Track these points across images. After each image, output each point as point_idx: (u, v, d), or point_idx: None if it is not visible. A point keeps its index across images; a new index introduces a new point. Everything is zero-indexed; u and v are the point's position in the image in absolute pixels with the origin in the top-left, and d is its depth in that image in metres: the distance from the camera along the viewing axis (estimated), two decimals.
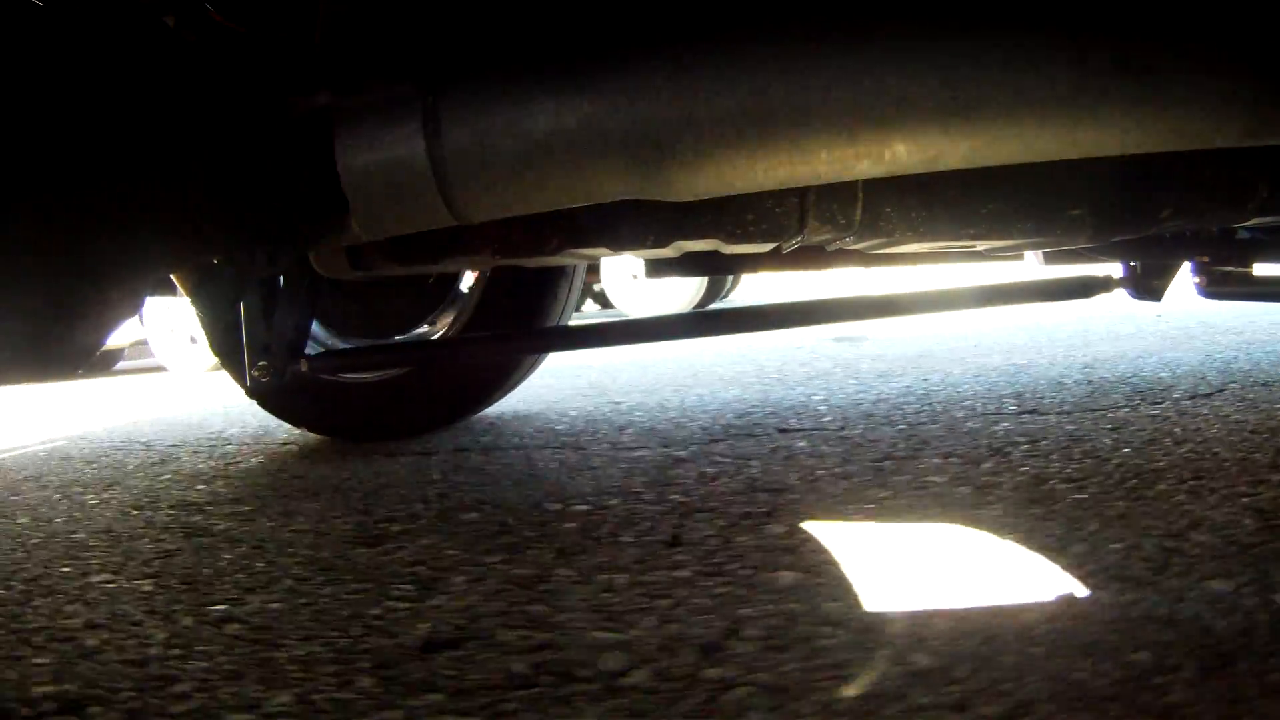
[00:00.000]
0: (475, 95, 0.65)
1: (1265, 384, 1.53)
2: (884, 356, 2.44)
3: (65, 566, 0.99)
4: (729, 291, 6.89)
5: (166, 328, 4.68)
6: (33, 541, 1.11)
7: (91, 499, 1.36)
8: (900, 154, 0.64)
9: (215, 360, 1.62)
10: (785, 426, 1.49)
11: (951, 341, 2.71)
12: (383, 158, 0.67)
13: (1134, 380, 1.69)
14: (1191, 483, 0.97)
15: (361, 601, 0.81)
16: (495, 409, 1.94)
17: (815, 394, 1.85)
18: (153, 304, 4.24)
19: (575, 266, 1.73)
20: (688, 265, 1.31)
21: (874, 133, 0.63)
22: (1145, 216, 0.93)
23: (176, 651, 0.72)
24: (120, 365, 5.73)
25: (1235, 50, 0.60)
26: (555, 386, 2.27)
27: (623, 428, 1.61)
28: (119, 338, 4.96)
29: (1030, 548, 0.80)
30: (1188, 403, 1.42)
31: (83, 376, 4.70)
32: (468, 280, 1.88)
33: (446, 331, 1.84)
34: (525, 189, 0.69)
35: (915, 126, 0.63)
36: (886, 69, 0.61)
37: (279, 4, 0.87)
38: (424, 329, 1.95)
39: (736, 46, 0.61)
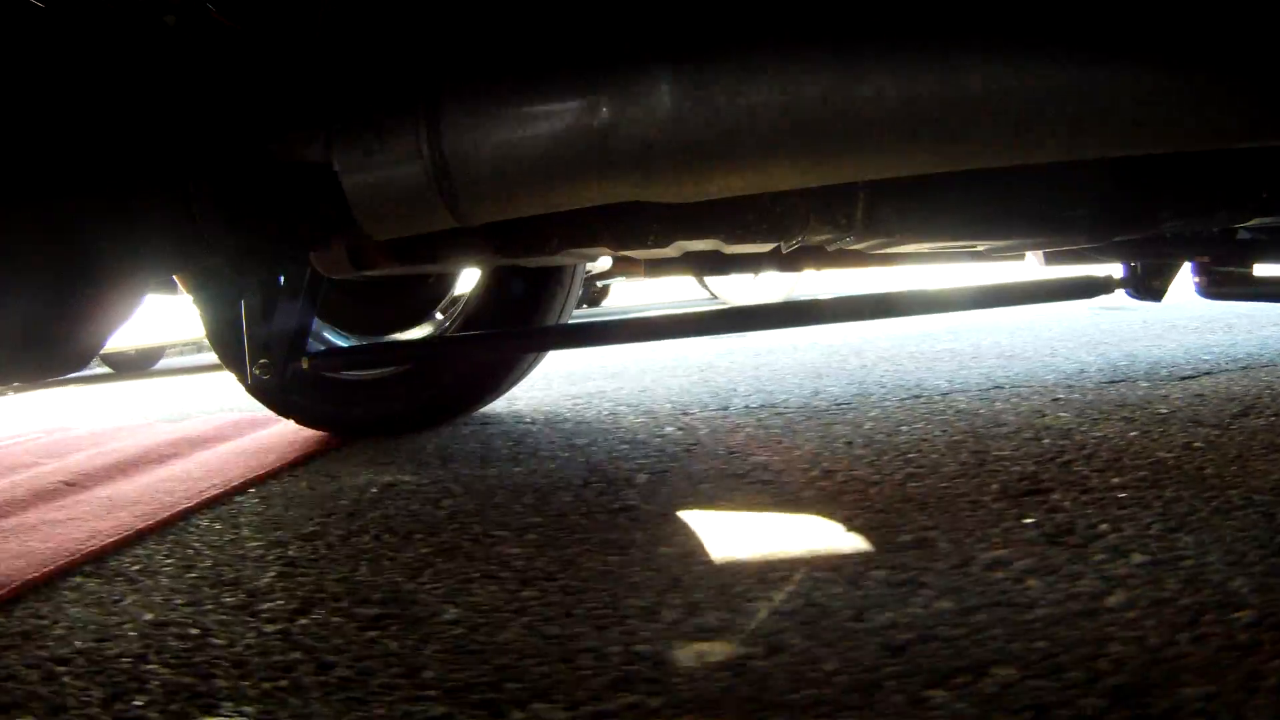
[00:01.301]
0: (477, 101, 0.65)
1: None
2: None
3: None
4: None
5: None
6: None
7: None
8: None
9: None
10: None
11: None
12: (384, 164, 0.67)
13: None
14: None
15: None
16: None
17: None
18: None
19: (575, 265, 1.73)
20: (689, 265, 1.32)
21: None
22: (1145, 217, 0.93)
23: None
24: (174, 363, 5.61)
25: None
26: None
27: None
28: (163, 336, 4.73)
29: None
30: None
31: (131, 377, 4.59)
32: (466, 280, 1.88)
33: (445, 329, 1.84)
34: (527, 193, 0.69)
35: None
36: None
37: (280, 3, 0.87)
38: (420, 327, 1.95)
39: (739, 55, 0.61)
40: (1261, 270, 1.37)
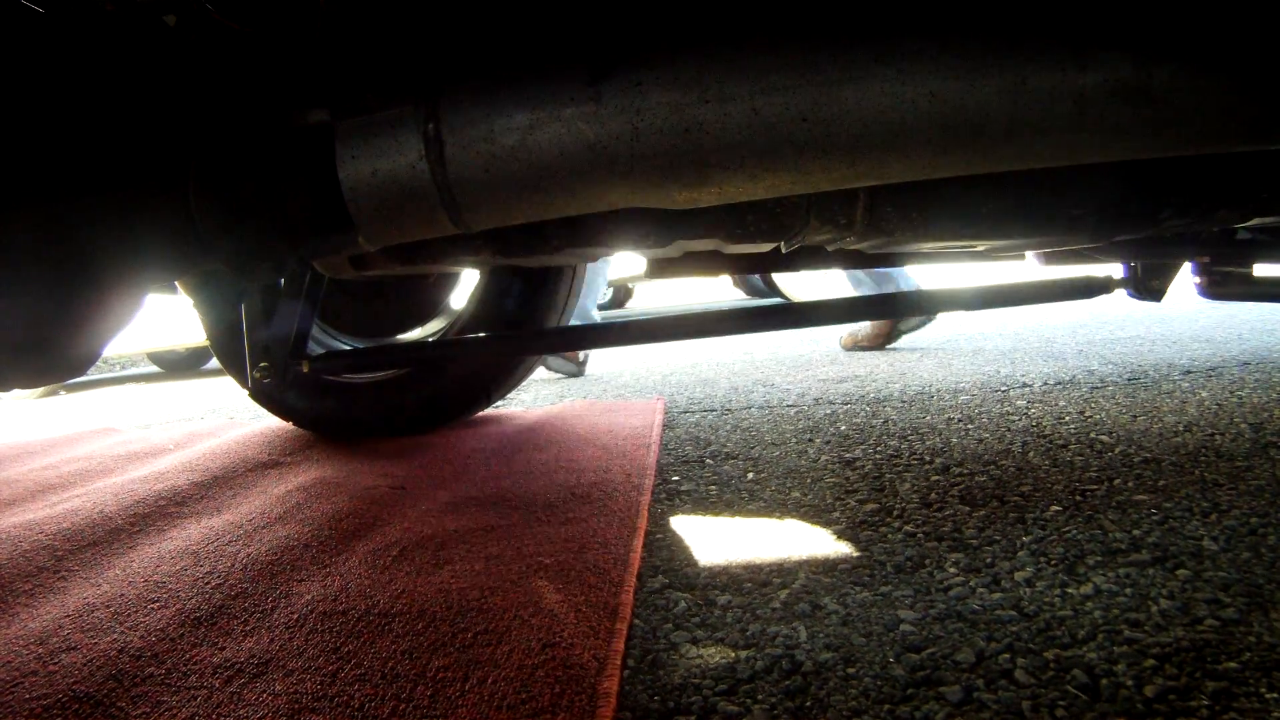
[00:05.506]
0: (477, 109, 0.65)
1: None
2: None
3: None
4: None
5: None
6: None
7: None
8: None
9: None
10: None
11: None
12: (384, 171, 0.67)
13: None
14: None
15: None
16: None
17: None
18: None
19: (576, 265, 1.72)
20: (689, 265, 1.31)
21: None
22: (1145, 217, 0.93)
23: None
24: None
25: None
26: None
27: None
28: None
29: None
30: None
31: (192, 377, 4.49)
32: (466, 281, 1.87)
33: (444, 332, 1.83)
34: (528, 200, 0.68)
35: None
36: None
37: (280, 3, 0.86)
38: (418, 329, 1.95)
39: (740, 60, 0.61)
40: (1261, 270, 1.37)
